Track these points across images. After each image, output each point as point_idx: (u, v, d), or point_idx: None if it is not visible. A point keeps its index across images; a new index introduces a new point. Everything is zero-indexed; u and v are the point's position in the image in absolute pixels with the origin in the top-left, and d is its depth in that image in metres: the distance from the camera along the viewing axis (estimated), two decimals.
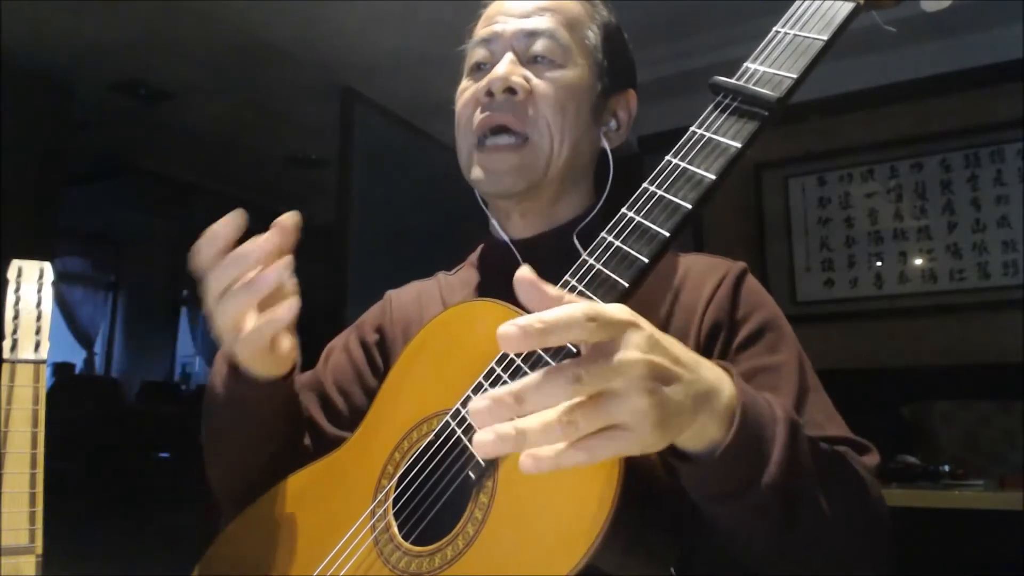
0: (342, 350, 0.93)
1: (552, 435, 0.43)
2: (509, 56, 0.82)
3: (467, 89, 0.86)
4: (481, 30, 0.87)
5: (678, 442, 0.52)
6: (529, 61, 0.83)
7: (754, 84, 0.61)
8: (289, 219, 0.64)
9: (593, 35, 0.85)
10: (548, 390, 0.42)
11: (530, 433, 0.43)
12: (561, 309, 0.44)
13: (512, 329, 0.42)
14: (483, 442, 0.43)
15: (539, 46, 0.82)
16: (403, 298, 0.95)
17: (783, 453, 0.54)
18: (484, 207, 0.90)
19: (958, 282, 3.00)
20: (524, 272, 0.46)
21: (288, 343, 0.71)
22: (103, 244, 7.31)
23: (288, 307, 0.64)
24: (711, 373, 0.52)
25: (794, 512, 0.55)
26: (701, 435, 0.52)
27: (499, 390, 0.43)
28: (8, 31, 3.03)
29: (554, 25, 0.82)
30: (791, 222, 3.34)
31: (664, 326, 0.75)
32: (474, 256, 0.95)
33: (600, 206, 0.87)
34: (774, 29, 0.65)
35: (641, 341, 0.46)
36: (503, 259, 0.85)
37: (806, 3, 0.65)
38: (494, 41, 0.84)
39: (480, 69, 0.86)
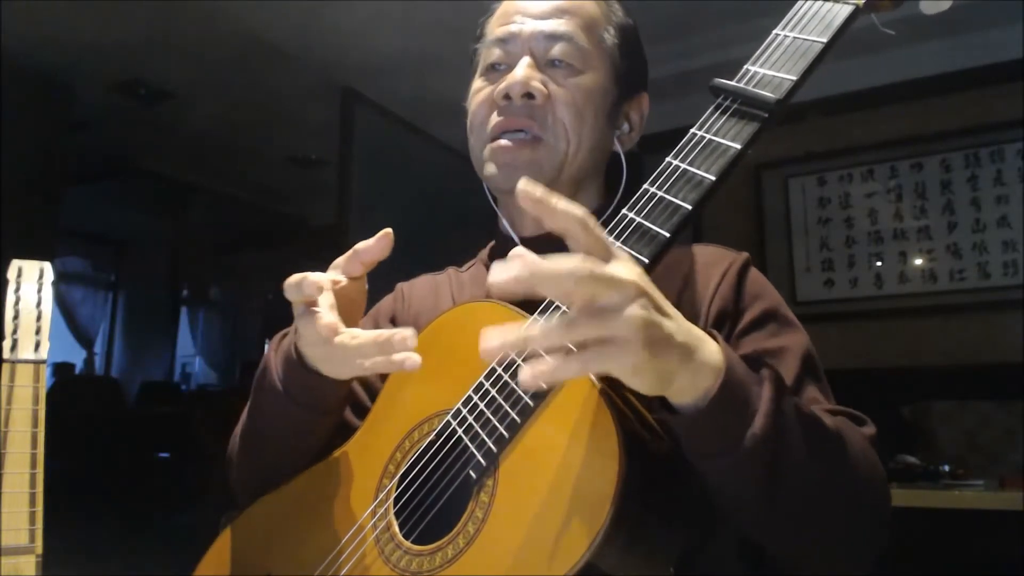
0: None
1: (552, 338, 0.46)
2: (527, 60, 0.81)
3: (482, 90, 0.85)
4: (497, 29, 0.85)
5: (672, 396, 0.54)
6: (547, 64, 0.82)
7: (754, 86, 0.62)
8: (390, 231, 0.69)
9: (610, 37, 0.85)
10: (559, 272, 0.46)
11: (532, 336, 0.46)
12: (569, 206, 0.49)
13: (529, 189, 0.48)
14: (490, 346, 0.47)
15: (558, 50, 0.81)
16: (416, 289, 0.95)
17: (769, 406, 0.55)
18: (494, 204, 0.90)
19: (958, 282, 3.00)
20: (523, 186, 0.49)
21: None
22: (103, 244, 7.30)
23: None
24: (696, 329, 0.55)
25: (780, 466, 0.56)
26: (693, 386, 0.53)
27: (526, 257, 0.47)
28: (8, 31, 3.03)
29: (573, 28, 0.81)
30: (791, 222, 3.34)
31: None
32: (484, 253, 0.95)
33: (610, 212, 0.87)
34: (774, 32, 0.65)
35: (634, 270, 0.50)
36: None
37: (806, 5, 0.65)
38: (511, 42, 0.83)
39: (495, 69, 0.85)
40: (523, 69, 0.80)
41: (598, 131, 0.83)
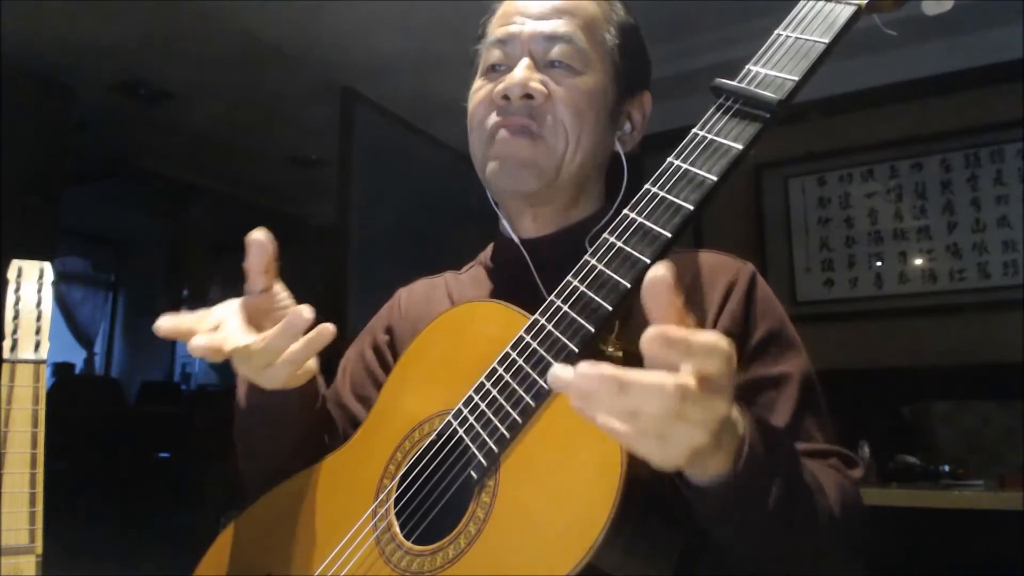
0: (357, 359, 0.94)
1: (616, 403, 0.44)
2: (526, 61, 0.81)
3: (481, 90, 0.85)
4: (497, 29, 0.85)
5: (684, 469, 0.53)
6: (546, 65, 0.81)
7: (756, 86, 0.61)
8: (259, 233, 0.70)
9: (610, 37, 0.84)
10: (653, 396, 0.44)
11: (603, 391, 0.44)
12: (707, 335, 0.46)
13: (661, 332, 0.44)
14: (561, 377, 0.45)
15: (557, 51, 0.81)
16: (413, 295, 0.95)
17: (783, 485, 0.56)
18: (495, 207, 0.90)
19: (958, 282, 3.00)
20: (660, 272, 0.46)
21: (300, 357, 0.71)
22: (103, 244, 7.30)
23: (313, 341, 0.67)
24: (734, 414, 0.53)
25: (787, 529, 0.57)
26: (705, 470, 0.53)
27: (611, 370, 0.44)
28: (8, 31, 3.02)
29: (572, 29, 0.81)
30: (791, 222, 3.34)
31: None
32: (483, 255, 0.95)
33: (612, 213, 0.87)
34: (776, 32, 0.65)
35: (730, 395, 0.48)
36: (512, 259, 0.85)
37: (807, 5, 0.65)
38: (510, 43, 0.83)
39: (495, 70, 0.84)
40: (522, 70, 0.80)
41: (598, 132, 0.83)
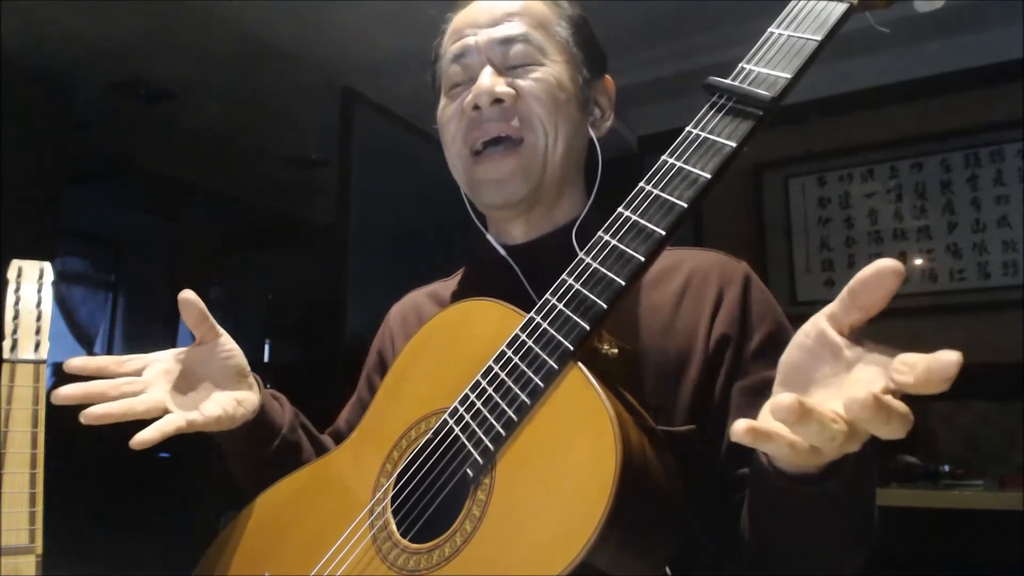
0: (357, 403, 0.96)
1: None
2: (488, 69, 0.81)
3: (449, 106, 0.85)
4: (451, 46, 0.85)
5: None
6: (507, 69, 0.82)
7: (749, 84, 0.62)
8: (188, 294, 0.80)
9: (562, 30, 0.85)
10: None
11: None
12: None
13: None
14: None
15: (515, 53, 0.82)
16: (404, 308, 0.96)
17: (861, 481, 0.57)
18: (479, 223, 0.91)
19: (958, 282, 3.00)
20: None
21: (212, 412, 0.78)
22: (103, 244, 7.30)
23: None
24: None
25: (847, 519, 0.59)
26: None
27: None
28: (8, 31, 3.03)
29: (526, 28, 0.82)
30: (791, 222, 3.33)
31: (668, 327, 0.75)
32: (471, 263, 0.95)
33: (591, 203, 0.87)
34: (768, 30, 0.65)
35: None
36: (499, 265, 0.85)
37: (800, 4, 0.65)
38: (467, 55, 0.83)
39: (459, 85, 0.85)
40: (487, 77, 0.80)
41: (572, 119, 0.83)
